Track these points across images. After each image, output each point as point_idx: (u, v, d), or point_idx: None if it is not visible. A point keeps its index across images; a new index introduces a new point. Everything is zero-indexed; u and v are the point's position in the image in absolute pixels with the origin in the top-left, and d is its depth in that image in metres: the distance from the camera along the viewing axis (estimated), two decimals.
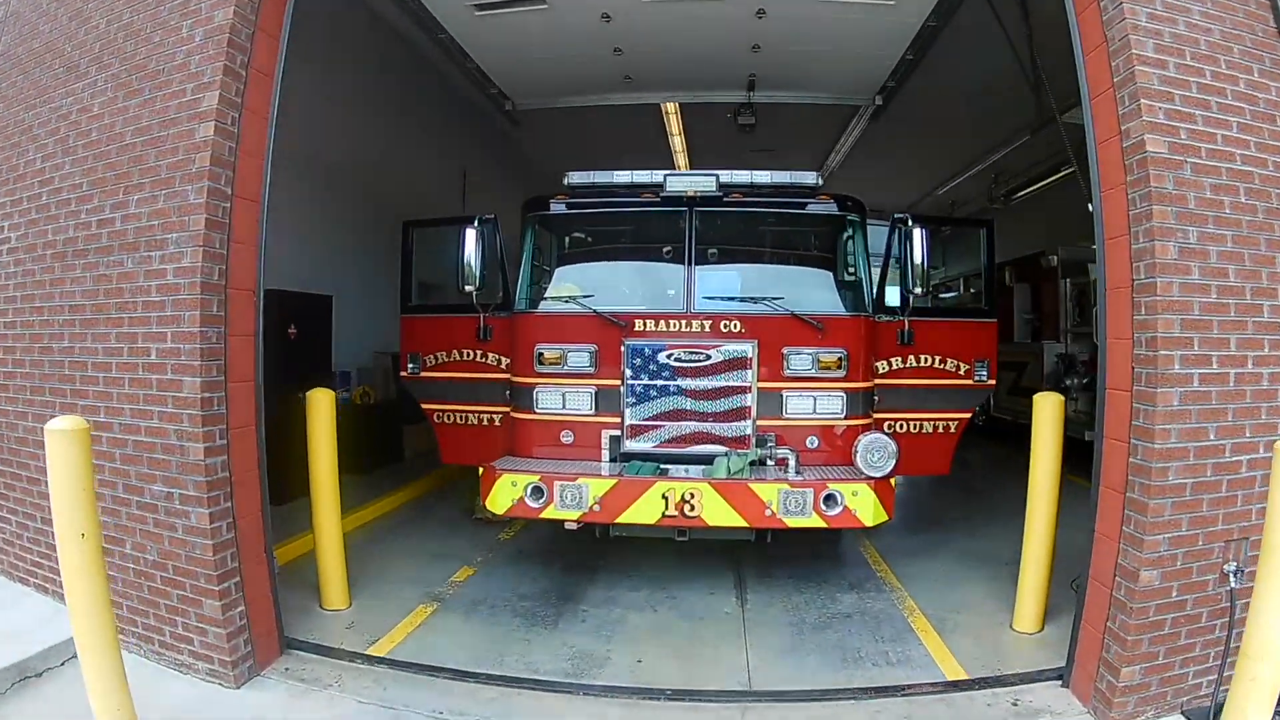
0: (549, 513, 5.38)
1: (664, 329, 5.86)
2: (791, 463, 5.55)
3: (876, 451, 5.42)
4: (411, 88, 10.29)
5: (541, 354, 6.01)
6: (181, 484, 3.98)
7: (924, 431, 6.21)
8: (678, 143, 12.45)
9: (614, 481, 5.28)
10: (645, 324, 5.89)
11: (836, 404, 5.87)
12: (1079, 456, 5.25)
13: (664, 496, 5.20)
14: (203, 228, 3.99)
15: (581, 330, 5.98)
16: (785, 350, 5.82)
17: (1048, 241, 11.78)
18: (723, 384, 5.78)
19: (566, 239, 6.92)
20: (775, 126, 10.62)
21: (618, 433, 5.87)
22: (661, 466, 5.68)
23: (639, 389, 5.82)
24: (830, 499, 5.22)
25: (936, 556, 6.73)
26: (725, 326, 5.86)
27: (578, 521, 5.42)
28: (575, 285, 6.38)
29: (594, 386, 5.92)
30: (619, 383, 5.84)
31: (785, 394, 5.83)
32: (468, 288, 5.65)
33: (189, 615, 4.07)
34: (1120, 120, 3.85)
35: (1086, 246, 11.79)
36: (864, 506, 5.25)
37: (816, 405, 5.87)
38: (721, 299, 5.97)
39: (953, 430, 6.13)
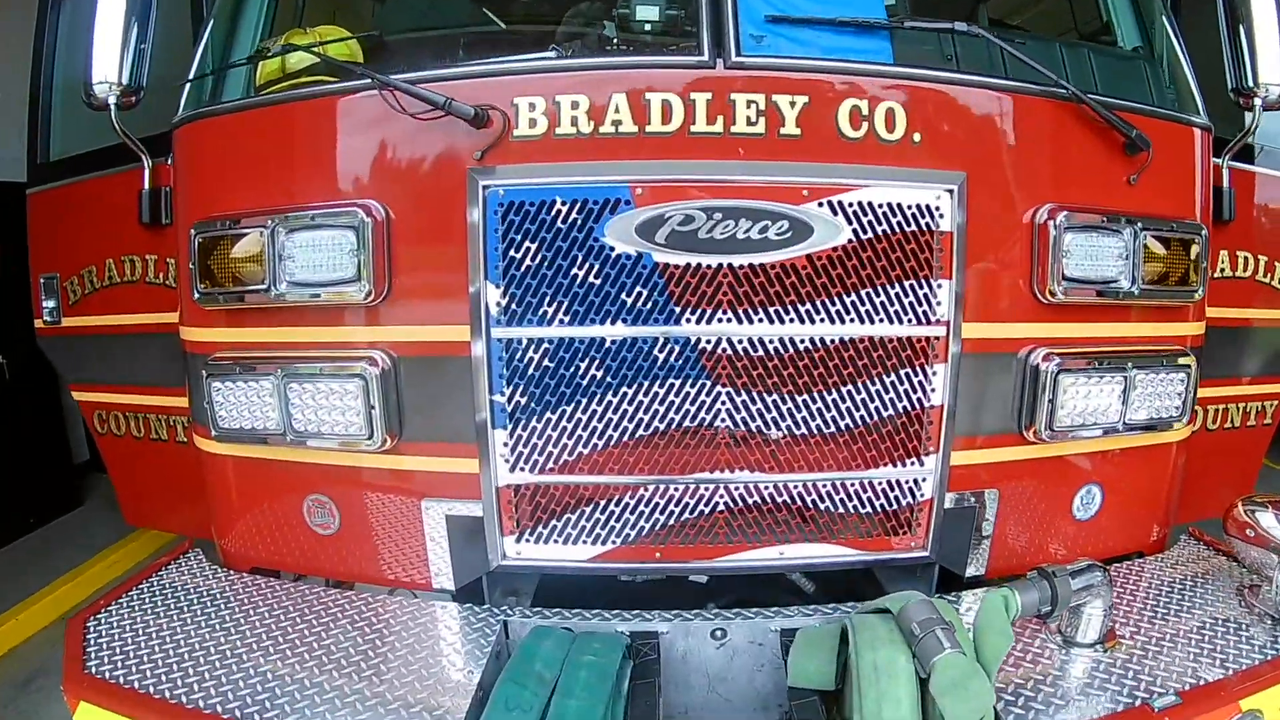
0: None
1: (620, 128, 1.60)
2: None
3: None
4: None
5: (209, 246, 1.81)
6: None
7: (1228, 425, 2.67)
8: None
9: None
10: (547, 108, 1.60)
11: (1173, 392, 1.95)
12: None
13: None
14: None
15: (333, 153, 1.77)
16: (1044, 217, 1.72)
17: None
18: (846, 332, 1.64)
19: None
20: None
21: (474, 509, 1.73)
22: (632, 639, 1.63)
23: (541, 359, 1.65)
24: None
25: None
26: (852, 116, 1.60)
27: None
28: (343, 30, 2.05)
29: (382, 353, 1.74)
30: (466, 339, 1.62)
31: (1045, 367, 1.74)
32: (99, 88, 1.97)
33: None
34: None
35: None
36: None
37: (1129, 400, 1.86)
38: (830, 31, 1.67)
39: (1269, 420, 2.80)
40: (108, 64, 1.97)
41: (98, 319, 2.68)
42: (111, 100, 1.95)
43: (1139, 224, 1.83)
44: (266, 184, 1.82)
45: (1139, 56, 2.38)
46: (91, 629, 1.78)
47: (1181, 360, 1.94)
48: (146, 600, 1.90)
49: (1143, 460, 2.04)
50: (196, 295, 1.84)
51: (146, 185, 2.22)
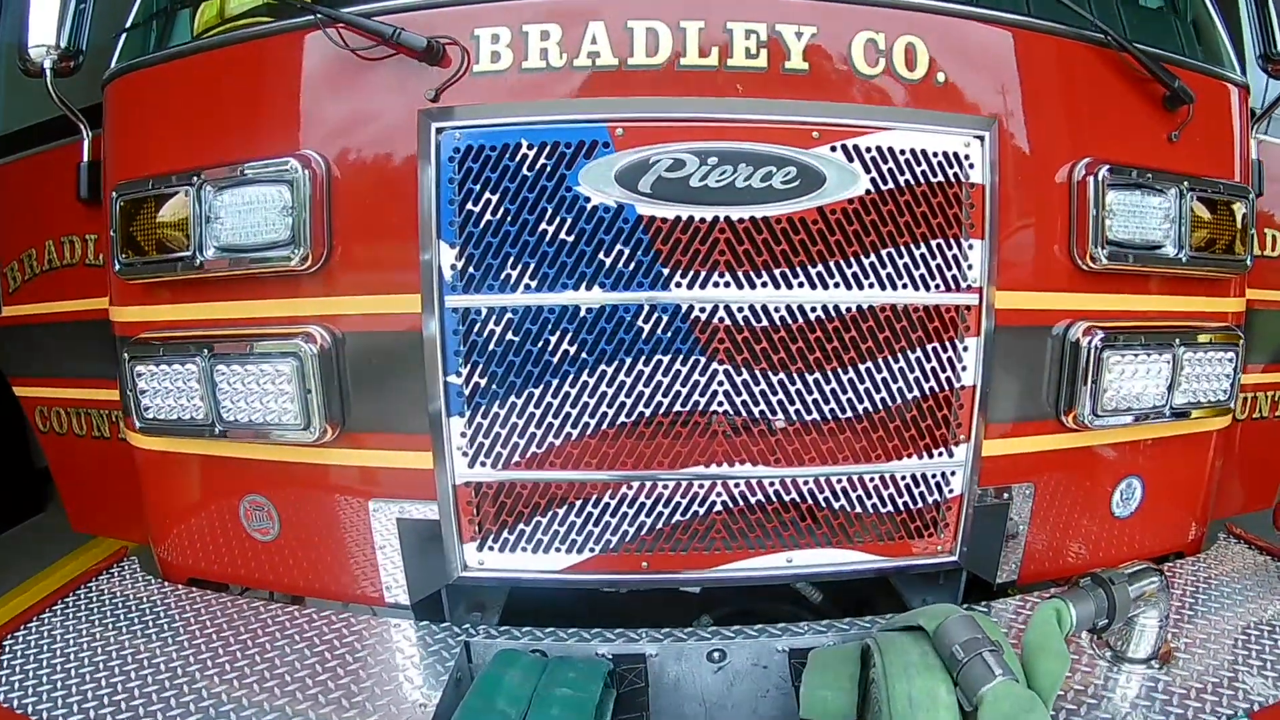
0: None
1: (598, 61, 1.37)
2: None
3: None
4: None
5: (132, 210, 1.60)
6: None
7: (1257, 414, 2.48)
8: None
9: None
10: (513, 40, 1.37)
11: (1221, 373, 1.74)
12: None
13: None
14: None
15: (268, 101, 1.54)
16: (1082, 173, 1.53)
17: None
18: (865, 299, 1.41)
19: None
20: None
21: (429, 511, 1.49)
22: (615, 664, 1.38)
23: (504, 333, 1.40)
24: None
25: None
26: (867, 51, 1.41)
27: None
28: None
29: (321, 328, 1.49)
30: (416, 310, 1.37)
31: (1086, 343, 1.54)
32: (34, 51, 1.73)
33: None
34: None
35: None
36: None
37: (1176, 381, 1.66)
38: None
39: None
40: (45, 26, 1.78)
41: (37, 307, 2.42)
42: (48, 65, 1.76)
43: (1185, 183, 1.63)
44: (196, 139, 1.60)
45: (1166, 13, 2.21)
46: (7, 649, 1.58)
47: (1229, 338, 1.74)
48: (71, 616, 1.70)
49: (1186, 450, 1.86)
50: (118, 267, 1.63)
51: (85, 157, 1.98)
